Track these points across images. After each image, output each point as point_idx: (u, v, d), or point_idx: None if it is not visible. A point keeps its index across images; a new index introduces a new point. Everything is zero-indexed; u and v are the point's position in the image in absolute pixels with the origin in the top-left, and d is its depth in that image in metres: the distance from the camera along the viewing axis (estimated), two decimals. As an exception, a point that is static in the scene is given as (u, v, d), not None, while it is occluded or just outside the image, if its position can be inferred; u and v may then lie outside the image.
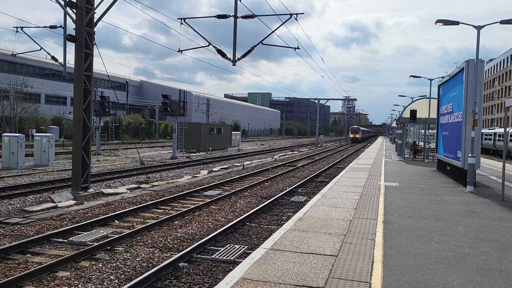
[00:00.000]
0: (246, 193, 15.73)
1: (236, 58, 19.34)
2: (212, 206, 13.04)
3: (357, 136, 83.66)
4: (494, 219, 9.65)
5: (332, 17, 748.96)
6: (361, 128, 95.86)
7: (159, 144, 50.59)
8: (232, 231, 10.04)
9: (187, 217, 11.48)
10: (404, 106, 38.03)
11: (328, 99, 79.49)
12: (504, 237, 7.95)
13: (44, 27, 22.51)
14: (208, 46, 19.77)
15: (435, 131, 24.82)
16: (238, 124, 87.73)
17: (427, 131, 31.53)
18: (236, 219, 11.06)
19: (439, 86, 20.97)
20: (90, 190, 14.38)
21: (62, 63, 21.05)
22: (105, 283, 6.61)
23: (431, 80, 29.26)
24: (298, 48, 20.93)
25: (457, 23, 15.26)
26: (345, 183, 15.21)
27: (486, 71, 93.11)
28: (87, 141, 14.34)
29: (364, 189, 13.75)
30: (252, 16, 18.79)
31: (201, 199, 14.24)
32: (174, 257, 7.60)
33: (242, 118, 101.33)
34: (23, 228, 9.77)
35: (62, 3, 14.82)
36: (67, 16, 16.48)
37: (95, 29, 14.50)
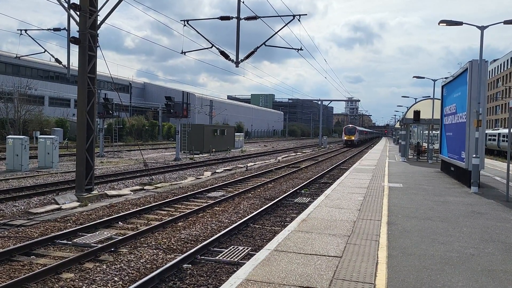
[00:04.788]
0: (250, 195, 15.72)
1: (239, 60, 19.35)
2: (215, 208, 13.04)
3: (352, 138, 65.95)
4: (499, 220, 9.61)
5: (335, 17, 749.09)
6: (359, 128, 77.10)
7: (162, 146, 50.65)
8: (236, 233, 10.04)
9: (190, 218, 11.49)
10: (407, 107, 37.97)
11: (331, 100, 79.50)
12: (509, 238, 7.91)
13: (48, 29, 22.61)
14: (211, 47, 19.81)
15: (439, 132, 24.75)
16: (241, 125, 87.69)
17: (431, 132, 31.45)
18: (239, 220, 11.06)
19: (442, 86, 20.92)
20: (94, 192, 14.41)
21: (66, 65, 21.16)
22: (109, 285, 6.62)
23: (434, 80, 29.19)
24: (301, 49, 20.94)
25: (460, 23, 15.22)
26: (349, 184, 15.18)
27: (489, 71, 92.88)
28: (90, 143, 14.38)
29: (368, 190, 13.72)
30: (255, 18, 18.81)
31: (204, 201, 14.25)
32: (178, 258, 7.60)
33: (245, 119, 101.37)
34: (27, 230, 9.79)
35: (66, 5, 14.88)
36: (70, 18, 16.55)
37: (98, 31, 14.56)
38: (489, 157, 40.51)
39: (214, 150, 38.91)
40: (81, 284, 6.59)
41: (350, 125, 75.27)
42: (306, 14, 19.85)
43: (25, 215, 11.42)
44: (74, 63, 17.64)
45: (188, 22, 19.55)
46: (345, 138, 67.08)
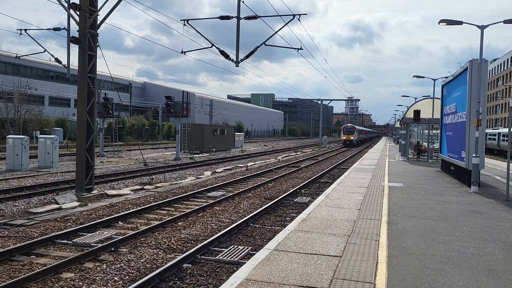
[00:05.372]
0: (250, 194, 15.72)
1: (239, 59, 19.34)
2: (215, 207, 13.04)
3: (351, 138, 63.62)
4: (499, 219, 9.61)
5: (335, 17, 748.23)
6: (358, 127, 74.03)
7: (162, 145, 50.66)
8: (236, 232, 10.04)
9: (190, 218, 11.49)
10: (407, 107, 37.95)
11: (331, 100, 79.37)
12: (509, 238, 7.91)
13: (47, 29, 22.62)
14: (211, 47, 19.81)
15: (439, 131, 24.75)
16: (241, 125, 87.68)
17: (431, 131, 31.45)
18: (239, 220, 11.06)
19: (442, 86, 20.92)
20: (94, 192, 14.41)
21: (66, 65, 21.15)
22: (109, 284, 6.62)
23: (434, 80, 29.19)
24: (301, 48, 20.93)
25: (460, 23, 15.22)
26: (349, 184, 15.18)
27: (489, 71, 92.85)
28: (90, 143, 14.38)
29: (368, 190, 13.72)
30: (255, 17, 18.80)
31: (204, 200, 14.25)
32: (178, 258, 7.60)
33: (245, 119, 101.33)
34: (27, 229, 9.79)
35: (66, 5, 14.87)
36: (70, 18, 16.54)
37: (98, 31, 14.55)
38: (489, 156, 40.51)
39: (214, 149, 38.91)
40: (81, 283, 6.59)
41: (349, 124, 72.87)
42: (306, 14, 19.88)
43: (25, 215, 11.42)
44: (74, 62, 17.65)
45: (188, 22, 19.54)
46: (344, 137, 64.96)
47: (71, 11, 14.45)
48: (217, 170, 23.81)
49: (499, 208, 11.08)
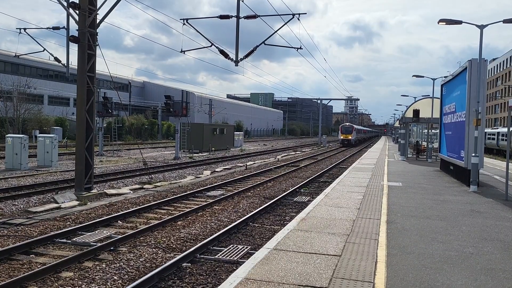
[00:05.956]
0: (249, 194, 15.73)
1: (239, 59, 19.34)
2: (215, 207, 13.04)
3: (349, 137, 62.15)
4: (498, 218, 9.62)
5: (335, 16, 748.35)
6: (356, 126, 72.10)
7: (161, 144, 50.62)
8: (235, 231, 10.04)
9: (190, 217, 11.49)
10: (407, 106, 38.02)
11: (330, 99, 79.19)
12: (508, 237, 7.92)
13: (47, 28, 22.61)
14: (210, 46, 19.81)
15: (438, 130, 24.78)
16: (241, 124, 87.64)
17: (430, 130, 31.47)
18: (239, 219, 11.06)
19: (442, 85, 20.92)
20: (93, 191, 14.41)
21: (65, 64, 21.15)
22: (108, 284, 6.62)
23: (434, 79, 29.21)
24: (300, 48, 20.92)
25: (460, 22, 15.23)
26: (348, 183, 15.19)
27: (489, 70, 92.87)
28: (90, 142, 14.37)
29: (367, 189, 13.73)
30: (254, 17, 18.80)
31: (204, 200, 14.25)
32: (178, 257, 7.60)
33: (245, 118, 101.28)
34: (26, 228, 9.79)
35: (65, 4, 14.86)
36: (69, 17, 16.53)
37: (97, 30, 14.54)
38: (488, 156, 40.55)
39: (213, 149, 38.90)
40: (80, 283, 6.60)
41: (347, 124, 71.24)
42: (305, 13, 19.83)
43: (24, 214, 11.42)
44: (74, 62, 17.67)
45: (188, 21, 19.53)
46: (342, 137, 63.09)
47: (71, 10, 14.44)
48: (216, 170, 23.81)
49: (498, 207, 11.09)
